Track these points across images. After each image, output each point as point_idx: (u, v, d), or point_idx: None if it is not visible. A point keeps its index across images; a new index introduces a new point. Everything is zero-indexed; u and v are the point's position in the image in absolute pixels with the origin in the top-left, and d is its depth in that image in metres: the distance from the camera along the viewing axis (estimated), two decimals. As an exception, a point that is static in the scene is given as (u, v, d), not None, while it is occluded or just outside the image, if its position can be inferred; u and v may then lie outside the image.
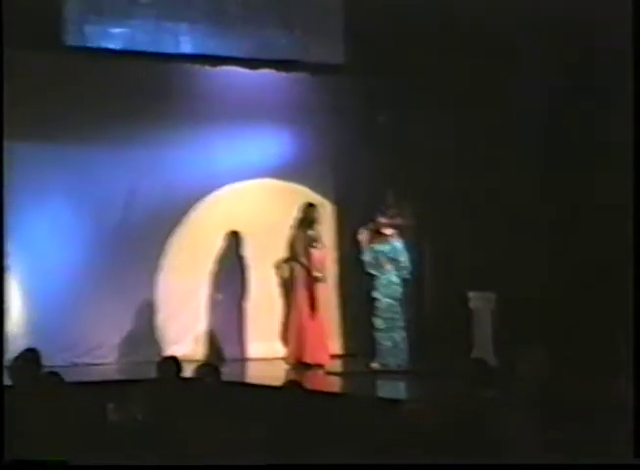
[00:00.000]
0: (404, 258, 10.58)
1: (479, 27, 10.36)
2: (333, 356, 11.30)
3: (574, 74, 10.32)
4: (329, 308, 11.54)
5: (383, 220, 10.60)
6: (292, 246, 11.14)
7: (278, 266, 11.36)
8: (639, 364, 6.45)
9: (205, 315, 11.48)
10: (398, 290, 10.55)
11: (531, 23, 10.24)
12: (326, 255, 11.28)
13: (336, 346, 11.68)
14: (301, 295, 10.97)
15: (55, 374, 5.99)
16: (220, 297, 11.50)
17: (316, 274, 10.96)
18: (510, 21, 10.24)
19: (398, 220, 10.66)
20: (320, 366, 10.78)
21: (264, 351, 11.42)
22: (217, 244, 11.53)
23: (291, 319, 11.07)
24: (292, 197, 11.45)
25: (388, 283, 10.53)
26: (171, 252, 11.26)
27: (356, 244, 10.79)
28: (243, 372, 10.84)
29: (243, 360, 11.37)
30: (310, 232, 11.03)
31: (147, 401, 5.67)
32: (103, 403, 5.65)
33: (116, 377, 10.06)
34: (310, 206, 11.09)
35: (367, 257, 10.57)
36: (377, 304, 10.55)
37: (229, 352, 11.40)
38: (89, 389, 7.61)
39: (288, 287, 11.28)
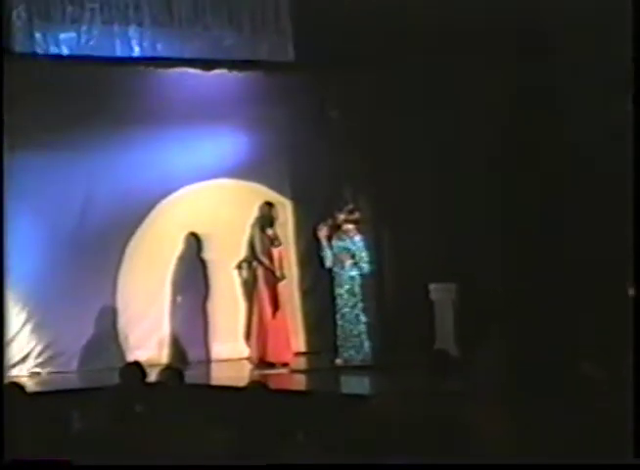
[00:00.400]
0: (364, 253, 10.60)
1: (430, 19, 10.37)
2: (296, 354, 11.32)
3: (562, 70, 10.35)
4: (291, 306, 11.55)
5: (341, 216, 10.62)
6: (251, 245, 11.13)
7: (239, 266, 11.35)
8: (639, 363, 6.48)
9: (168, 318, 11.44)
10: (359, 285, 10.57)
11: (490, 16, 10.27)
12: (285, 253, 11.29)
13: (299, 343, 11.69)
14: (263, 294, 10.97)
15: (16, 385, 5.95)
16: (182, 299, 11.47)
17: (277, 273, 10.96)
18: (466, 12, 10.26)
19: (357, 215, 10.68)
20: (284, 365, 10.79)
21: (228, 351, 11.41)
22: (177, 246, 11.50)
23: (253, 319, 11.06)
24: (249, 196, 11.45)
25: (349, 278, 10.54)
26: (131, 256, 11.20)
27: (316, 240, 10.80)
28: (207, 374, 10.83)
29: (207, 362, 11.35)
30: (269, 231, 11.02)
31: (112, 408, 5.65)
32: (67, 412, 5.62)
33: (80, 385, 10.01)
34: (268, 204, 11.09)
35: (327, 253, 10.59)
36: (338, 299, 10.57)
37: (193, 354, 11.37)
38: (52, 398, 7.57)
39: (249, 287, 11.28)
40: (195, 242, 11.53)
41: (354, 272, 10.56)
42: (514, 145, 10.78)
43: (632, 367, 6.43)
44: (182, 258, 11.51)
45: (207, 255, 11.57)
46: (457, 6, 10.25)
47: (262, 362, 10.83)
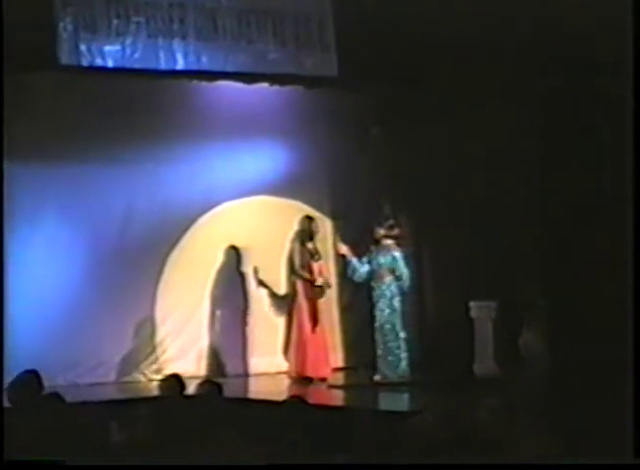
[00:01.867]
0: (405, 269, 10.56)
1: (475, 36, 10.36)
2: (335, 370, 11.28)
3: (574, 75, 10.32)
4: (329, 321, 11.52)
5: (381, 231, 10.59)
6: (291, 259, 11.14)
7: (279, 280, 11.35)
8: (639, 362, 6.44)
9: (207, 331, 11.45)
10: (399, 301, 10.53)
11: (528, 25, 10.25)
12: (325, 267, 11.26)
13: (337, 359, 11.65)
14: (303, 308, 10.96)
15: (56, 395, 5.96)
16: (220, 312, 11.48)
17: (318, 284, 10.93)
18: (506, 26, 10.24)
19: (397, 231, 10.65)
20: (322, 380, 10.76)
21: (266, 365, 11.40)
22: (216, 260, 11.51)
23: (292, 333, 11.05)
24: (289, 212, 11.44)
25: (389, 294, 10.50)
26: (171, 269, 11.23)
27: (341, 257, 10.81)
28: (245, 388, 10.81)
29: (245, 376, 11.34)
30: (309, 245, 11.02)
31: (151, 420, 5.65)
32: (106, 423, 5.63)
33: (119, 396, 10.04)
34: (308, 218, 11.10)
35: (357, 267, 10.53)
36: (377, 315, 10.53)
37: (231, 367, 11.37)
38: (92, 409, 7.58)
39: (289, 301, 11.27)
40: (234, 255, 11.55)
41: (394, 288, 10.52)
42: (551, 158, 10.76)
43: (632, 367, 6.40)
44: (221, 272, 11.52)
45: (247, 268, 11.57)
46: (499, 22, 10.24)
47: (300, 377, 10.81)
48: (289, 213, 11.40)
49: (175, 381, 6.65)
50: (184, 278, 11.28)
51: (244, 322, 11.51)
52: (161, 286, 11.20)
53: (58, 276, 10.73)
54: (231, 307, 11.52)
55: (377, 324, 10.52)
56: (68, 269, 10.79)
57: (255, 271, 11.43)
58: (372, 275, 10.54)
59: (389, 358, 10.45)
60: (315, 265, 11.00)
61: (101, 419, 5.83)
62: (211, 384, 6.60)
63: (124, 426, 6.03)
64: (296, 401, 5.80)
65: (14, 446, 5.23)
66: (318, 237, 11.13)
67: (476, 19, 10.20)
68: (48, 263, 10.70)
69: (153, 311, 11.18)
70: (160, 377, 7.17)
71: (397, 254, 10.58)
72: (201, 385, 6.55)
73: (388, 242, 10.60)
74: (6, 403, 6.30)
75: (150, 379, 10.63)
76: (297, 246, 11.07)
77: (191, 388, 6.68)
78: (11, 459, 5.02)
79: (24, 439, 5.37)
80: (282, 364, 11.29)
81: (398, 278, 10.52)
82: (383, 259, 10.54)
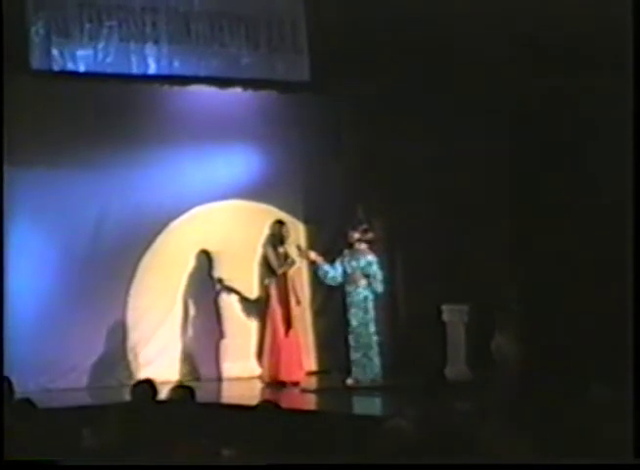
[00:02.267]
0: (378, 273, 10.58)
1: (449, 42, 10.39)
2: (308, 374, 11.29)
3: (572, 75, 10.35)
4: (302, 325, 11.52)
5: (355, 235, 10.60)
6: (264, 263, 11.14)
7: (251, 284, 11.35)
8: (639, 365, 6.48)
9: (179, 336, 11.42)
10: (372, 305, 10.55)
11: (501, 24, 10.28)
12: (298, 272, 11.27)
13: (310, 362, 11.66)
14: (276, 312, 10.95)
15: (27, 401, 5.94)
16: (193, 317, 11.46)
17: (290, 292, 10.94)
18: (490, 25, 10.26)
19: (370, 235, 10.67)
20: (296, 384, 10.76)
21: (239, 370, 11.39)
22: (188, 264, 11.49)
23: (266, 337, 11.03)
24: (261, 216, 11.44)
25: (363, 298, 10.52)
26: (142, 273, 11.20)
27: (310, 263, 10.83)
28: (218, 392, 10.80)
29: (218, 380, 11.33)
30: (281, 249, 11.02)
31: (123, 425, 5.64)
32: (78, 429, 5.61)
33: (91, 402, 10.01)
34: (279, 223, 11.10)
35: (338, 272, 10.55)
36: (351, 319, 10.54)
37: (204, 372, 11.36)
38: (64, 414, 7.56)
39: (262, 305, 11.26)
40: (206, 259, 11.52)
41: (368, 292, 10.53)
42: (528, 162, 10.80)
43: (632, 369, 6.43)
44: (193, 276, 11.50)
45: (218, 273, 11.56)
46: (474, 21, 10.26)
47: (274, 381, 10.81)
48: (261, 218, 11.41)
49: (148, 386, 6.63)
50: (156, 282, 11.26)
51: (216, 326, 11.50)
52: (134, 290, 11.17)
53: (29, 280, 10.68)
54: (203, 312, 11.51)
55: (350, 328, 10.54)
56: (39, 273, 10.74)
57: (220, 281, 11.43)
58: (346, 279, 10.55)
59: (363, 362, 10.47)
60: (287, 270, 11.01)
61: (73, 425, 5.82)
62: (184, 389, 6.59)
63: (96, 431, 6.02)
64: (268, 406, 5.80)
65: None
66: (289, 241, 11.12)
67: (450, 20, 10.22)
68: (20, 268, 10.65)
69: (125, 316, 11.15)
70: (132, 382, 7.13)
71: (372, 257, 10.60)
72: (173, 390, 6.55)
73: (362, 246, 10.61)
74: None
75: (123, 384, 10.59)
76: (270, 250, 11.08)
77: (163, 393, 6.67)
78: (11, 459, 5.00)
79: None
80: (255, 369, 11.28)
81: (372, 282, 10.54)
82: (357, 263, 10.55)
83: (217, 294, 11.53)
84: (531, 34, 10.04)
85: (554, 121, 10.36)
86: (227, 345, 11.49)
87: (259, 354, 11.22)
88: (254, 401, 7.28)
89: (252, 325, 11.47)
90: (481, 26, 10.14)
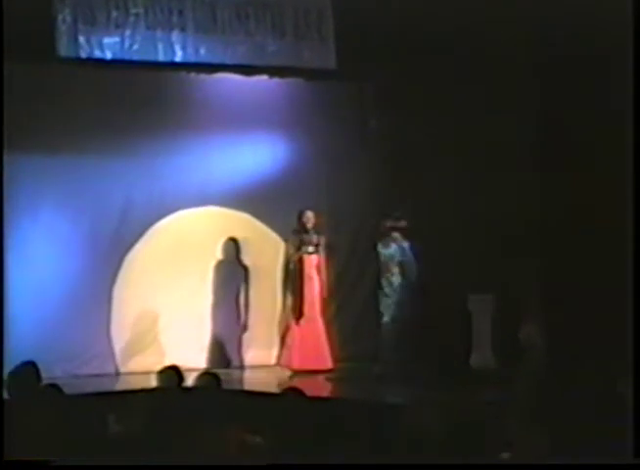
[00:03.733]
0: (412, 260, 10.53)
1: (474, 31, 10.37)
2: (335, 362, 11.22)
3: (573, 72, 10.33)
4: (329, 313, 11.49)
5: (388, 223, 10.55)
6: (287, 251, 11.09)
7: (275, 272, 11.33)
8: (639, 364, 6.45)
9: (206, 323, 11.44)
10: (404, 293, 10.51)
11: (526, 22, 10.27)
12: (323, 261, 11.16)
13: (337, 351, 11.60)
14: (301, 300, 10.90)
15: (54, 386, 5.97)
16: (220, 304, 11.47)
17: (316, 279, 10.89)
18: (506, 22, 10.26)
19: (403, 223, 10.61)
20: (322, 372, 10.72)
21: (265, 358, 11.39)
22: (216, 251, 11.50)
23: (290, 326, 11.02)
24: (284, 205, 11.32)
25: (396, 286, 10.49)
26: (168, 259, 11.21)
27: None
28: (243, 380, 10.82)
29: (242, 368, 11.34)
30: (304, 237, 10.93)
31: (149, 412, 5.66)
32: (104, 415, 5.63)
33: (117, 388, 10.05)
34: (304, 212, 10.98)
35: (379, 258, 10.51)
36: (382, 307, 10.51)
37: (230, 359, 11.38)
38: (90, 400, 7.59)
39: (287, 292, 11.22)
40: (233, 247, 11.53)
41: (401, 279, 10.49)
42: (552, 154, 10.78)
43: (632, 367, 6.40)
44: (222, 263, 11.51)
45: (246, 260, 11.56)
46: (498, 16, 10.26)
47: (299, 370, 10.79)
48: (284, 206, 11.28)
49: (174, 372, 6.65)
50: (183, 269, 11.27)
51: (242, 314, 11.50)
52: (160, 277, 11.18)
53: (56, 267, 10.73)
54: (230, 299, 11.52)
55: (382, 316, 10.50)
56: (66, 260, 10.79)
57: (246, 268, 11.41)
58: (381, 267, 10.51)
59: (391, 350, 10.43)
60: (314, 258, 10.94)
61: (99, 411, 5.84)
62: (210, 376, 6.61)
63: (122, 418, 6.04)
64: (293, 394, 5.80)
65: (13, 438, 5.24)
66: (309, 228, 10.94)
67: (476, 11, 10.20)
68: (46, 255, 10.71)
69: (151, 303, 11.17)
70: (158, 368, 7.15)
71: (405, 245, 10.56)
72: (199, 376, 6.56)
73: (395, 234, 10.57)
74: (5, 395, 6.32)
75: (148, 370, 10.63)
76: (294, 238, 10.98)
77: (189, 380, 6.69)
78: (11, 459, 5.02)
79: (23, 430, 5.39)
80: (280, 357, 11.29)
81: (406, 269, 10.50)
82: (390, 251, 10.52)
83: (244, 280, 11.52)
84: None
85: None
86: (253, 332, 11.49)
87: (282, 343, 11.22)
88: (279, 389, 7.31)
89: (277, 313, 11.46)
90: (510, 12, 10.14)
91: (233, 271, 11.52)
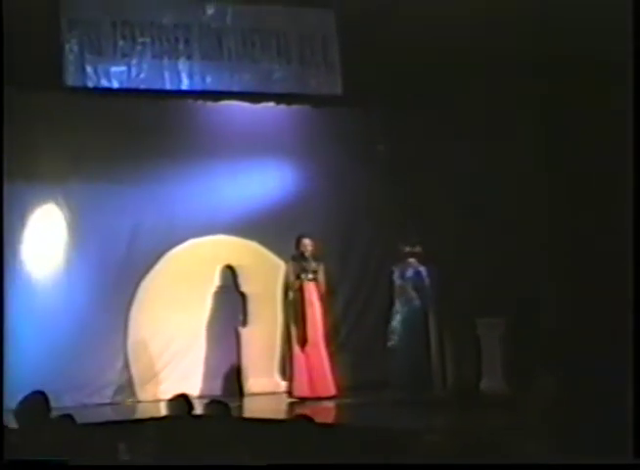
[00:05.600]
0: (428, 285, 10.57)
1: (481, 53, 10.40)
2: (341, 389, 11.15)
3: (574, 76, 10.34)
4: (339, 339, 11.46)
5: (407, 248, 10.58)
6: (287, 278, 11.01)
7: (278, 298, 11.28)
8: (639, 364, 6.44)
9: (212, 352, 11.40)
10: (418, 318, 10.52)
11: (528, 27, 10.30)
12: (321, 286, 10.95)
13: (344, 377, 11.54)
14: (303, 327, 10.80)
15: (68, 417, 5.94)
16: (224, 333, 11.42)
17: (308, 307, 10.79)
18: (512, 40, 10.28)
19: (419, 249, 10.63)
20: (325, 399, 10.62)
21: (269, 385, 11.34)
22: (215, 279, 11.46)
23: (293, 353, 10.89)
24: (291, 232, 11.28)
25: (410, 310, 10.50)
26: (177, 288, 11.21)
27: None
28: (250, 408, 10.77)
29: (249, 396, 11.28)
30: (303, 264, 10.86)
31: (159, 440, 5.65)
32: (115, 444, 5.63)
33: (126, 416, 10.02)
34: (301, 239, 10.93)
35: (395, 283, 10.51)
36: (394, 333, 10.50)
37: (235, 387, 11.33)
38: (101, 429, 7.58)
39: (289, 319, 11.12)
40: (231, 275, 11.48)
41: (417, 303, 10.51)
42: (564, 175, 10.79)
43: (632, 366, 6.39)
44: (221, 292, 11.46)
45: (245, 288, 11.53)
46: (503, 39, 10.29)
47: (302, 397, 10.69)
48: (291, 233, 11.25)
49: (183, 400, 6.64)
50: (191, 298, 11.26)
51: (245, 341, 11.44)
52: (167, 305, 11.16)
53: (65, 295, 10.73)
54: (232, 328, 11.46)
55: (393, 341, 10.49)
56: (75, 290, 10.78)
57: (243, 295, 11.40)
58: (395, 292, 10.54)
59: (404, 375, 10.41)
60: (309, 285, 10.84)
61: (109, 440, 5.84)
62: (219, 403, 6.60)
63: (132, 446, 6.03)
64: (302, 420, 5.79)
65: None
66: (308, 255, 10.87)
67: (481, 35, 10.23)
68: (55, 282, 10.71)
69: (159, 331, 11.15)
70: (166, 397, 7.15)
71: (422, 269, 10.59)
72: (208, 404, 6.55)
73: (411, 259, 10.60)
74: (13, 424, 6.31)
75: (157, 399, 10.61)
76: (293, 265, 10.90)
77: (198, 408, 6.68)
78: (11, 459, 5.01)
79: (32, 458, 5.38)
80: (279, 384, 11.25)
81: (423, 294, 10.52)
82: (407, 276, 10.54)
83: (244, 309, 11.49)
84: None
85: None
86: (256, 360, 11.42)
87: (283, 370, 11.16)
88: (288, 416, 7.29)
89: (279, 340, 11.40)
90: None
91: (232, 299, 11.47)
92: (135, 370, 10.99)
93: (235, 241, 11.47)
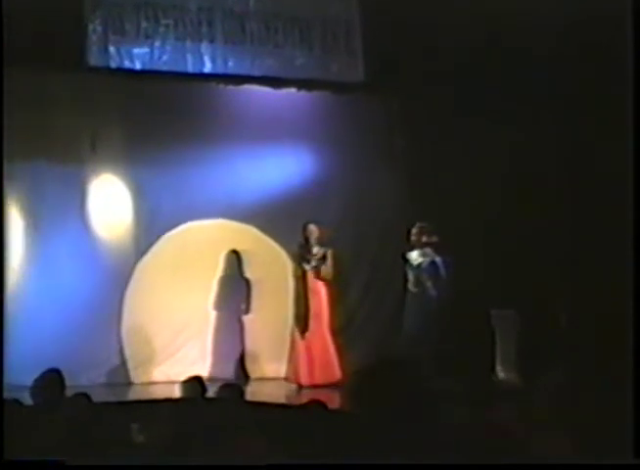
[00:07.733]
0: (444, 275, 10.55)
1: (505, 44, 10.38)
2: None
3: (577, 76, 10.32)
4: (354, 325, 11.45)
5: (424, 239, 10.56)
6: (295, 264, 10.99)
7: (285, 284, 11.26)
8: (639, 364, 6.44)
9: (226, 335, 11.41)
10: (434, 307, 10.51)
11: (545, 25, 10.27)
12: (328, 272, 10.80)
13: (361, 362, 11.47)
14: (306, 314, 10.75)
15: (83, 395, 5.98)
16: (237, 317, 11.43)
17: (312, 294, 10.77)
18: (528, 30, 10.27)
19: (435, 238, 10.62)
20: (329, 385, 10.58)
21: (279, 371, 11.35)
22: (221, 265, 11.45)
23: (295, 340, 10.86)
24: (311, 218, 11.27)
25: (427, 300, 10.50)
26: (195, 272, 11.22)
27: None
28: (263, 392, 10.78)
29: (262, 380, 11.29)
30: (308, 250, 10.81)
31: (172, 422, 5.66)
32: (128, 424, 5.65)
33: (139, 397, 10.06)
34: (307, 225, 10.96)
35: (409, 274, 10.52)
36: (409, 320, 10.50)
37: (252, 371, 11.36)
38: (115, 409, 7.61)
39: (299, 306, 11.07)
40: (236, 259, 11.47)
41: (434, 293, 10.51)
42: (579, 172, 10.76)
43: (632, 367, 6.37)
44: (225, 277, 11.46)
45: (250, 273, 11.51)
46: (529, 27, 10.26)
47: (305, 384, 10.65)
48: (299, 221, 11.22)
49: (197, 383, 6.67)
50: (206, 280, 11.28)
51: (255, 327, 11.45)
52: (184, 287, 11.18)
53: (81, 274, 10.76)
54: (235, 312, 11.45)
55: (407, 328, 10.50)
56: (90, 268, 10.81)
57: (248, 281, 11.40)
58: (410, 281, 10.53)
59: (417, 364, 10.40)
60: (314, 272, 10.78)
61: (122, 419, 5.86)
62: (233, 387, 6.63)
63: (145, 427, 6.05)
64: (317, 406, 5.81)
65: (33, 445, 5.25)
66: (312, 241, 10.85)
67: (507, 25, 10.20)
68: (72, 261, 10.75)
69: (176, 313, 11.17)
70: (181, 379, 7.16)
71: (438, 259, 10.58)
72: (222, 387, 6.58)
73: (428, 248, 10.59)
74: (28, 401, 6.35)
75: (171, 380, 10.65)
76: (299, 251, 10.87)
77: (211, 390, 6.71)
78: (11, 459, 5.04)
79: (44, 437, 5.41)
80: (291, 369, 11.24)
81: (439, 283, 10.52)
82: (423, 265, 10.54)
83: (249, 293, 11.49)
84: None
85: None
86: (258, 346, 11.43)
87: (290, 356, 11.16)
88: (298, 402, 7.29)
89: (288, 326, 11.38)
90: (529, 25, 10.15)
91: (240, 284, 11.46)
92: (148, 350, 11.03)
93: (237, 226, 11.42)
